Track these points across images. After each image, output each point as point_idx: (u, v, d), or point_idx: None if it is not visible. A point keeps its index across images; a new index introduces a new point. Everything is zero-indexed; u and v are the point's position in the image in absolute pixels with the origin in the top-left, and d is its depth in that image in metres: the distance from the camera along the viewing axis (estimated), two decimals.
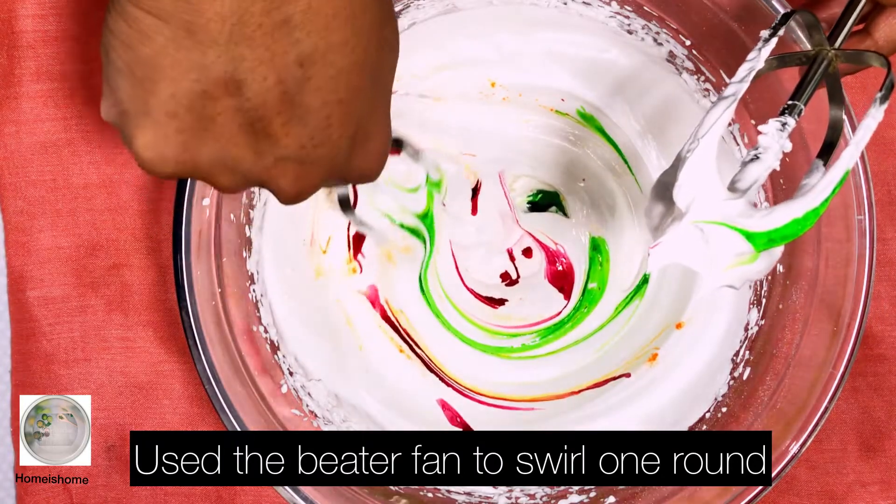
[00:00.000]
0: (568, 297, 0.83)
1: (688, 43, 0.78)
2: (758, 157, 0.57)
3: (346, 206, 0.78)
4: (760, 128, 0.58)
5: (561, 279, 0.83)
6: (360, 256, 0.81)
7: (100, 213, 0.82)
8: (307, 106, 0.52)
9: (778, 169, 0.57)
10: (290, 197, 0.56)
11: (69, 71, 0.81)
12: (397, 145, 0.80)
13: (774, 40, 0.59)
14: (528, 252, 0.83)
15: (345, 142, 0.54)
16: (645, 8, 0.78)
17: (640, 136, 0.82)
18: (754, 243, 0.56)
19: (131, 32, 0.49)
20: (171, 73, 0.49)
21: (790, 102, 0.59)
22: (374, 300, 0.82)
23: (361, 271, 0.81)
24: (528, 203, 0.83)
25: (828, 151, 0.59)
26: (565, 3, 0.80)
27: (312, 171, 0.55)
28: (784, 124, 0.58)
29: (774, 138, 0.57)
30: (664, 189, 0.57)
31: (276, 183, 0.55)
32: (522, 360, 0.83)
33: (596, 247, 0.83)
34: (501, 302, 0.83)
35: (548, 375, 0.82)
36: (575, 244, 0.83)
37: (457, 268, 0.83)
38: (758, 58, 0.58)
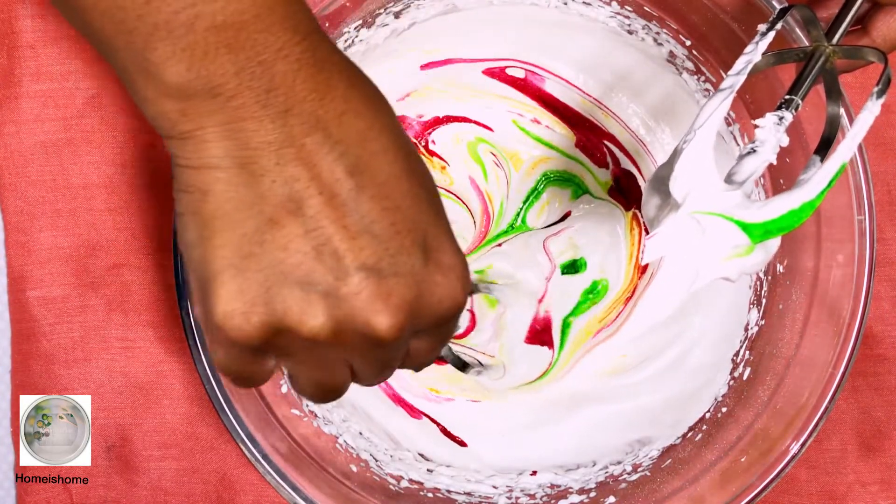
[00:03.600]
0: (551, 345, 0.81)
1: (688, 43, 0.78)
2: (754, 151, 0.57)
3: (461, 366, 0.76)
4: (757, 121, 0.58)
5: (540, 335, 0.80)
6: None
7: (100, 213, 0.82)
8: (369, 215, 0.51)
9: (774, 163, 0.57)
10: (387, 329, 0.52)
11: (69, 71, 0.82)
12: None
13: (772, 34, 0.59)
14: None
15: (418, 250, 0.52)
16: (645, 8, 0.78)
17: (639, 136, 0.82)
18: (751, 235, 0.56)
19: (192, 198, 0.50)
20: (238, 215, 0.50)
21: (787, 97, 0.59)
22: None
23: None
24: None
25: (825, 147, 0.59)
26: (565, 3, 0.80)
27: (399, 285, 0.52)
28: (781, 118, 0.58)
29: (771, 132, 0.57)
30: (660, 182, 0.57)
31: (367, 312, 0.51)
32: None
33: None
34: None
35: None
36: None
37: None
38: (755, 51, 0.58)
